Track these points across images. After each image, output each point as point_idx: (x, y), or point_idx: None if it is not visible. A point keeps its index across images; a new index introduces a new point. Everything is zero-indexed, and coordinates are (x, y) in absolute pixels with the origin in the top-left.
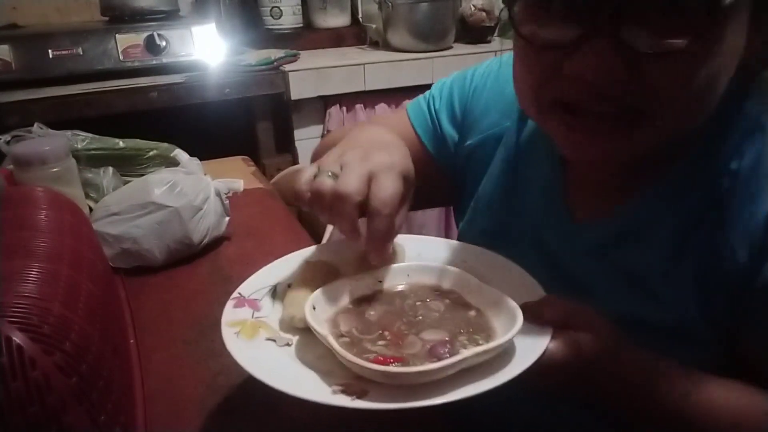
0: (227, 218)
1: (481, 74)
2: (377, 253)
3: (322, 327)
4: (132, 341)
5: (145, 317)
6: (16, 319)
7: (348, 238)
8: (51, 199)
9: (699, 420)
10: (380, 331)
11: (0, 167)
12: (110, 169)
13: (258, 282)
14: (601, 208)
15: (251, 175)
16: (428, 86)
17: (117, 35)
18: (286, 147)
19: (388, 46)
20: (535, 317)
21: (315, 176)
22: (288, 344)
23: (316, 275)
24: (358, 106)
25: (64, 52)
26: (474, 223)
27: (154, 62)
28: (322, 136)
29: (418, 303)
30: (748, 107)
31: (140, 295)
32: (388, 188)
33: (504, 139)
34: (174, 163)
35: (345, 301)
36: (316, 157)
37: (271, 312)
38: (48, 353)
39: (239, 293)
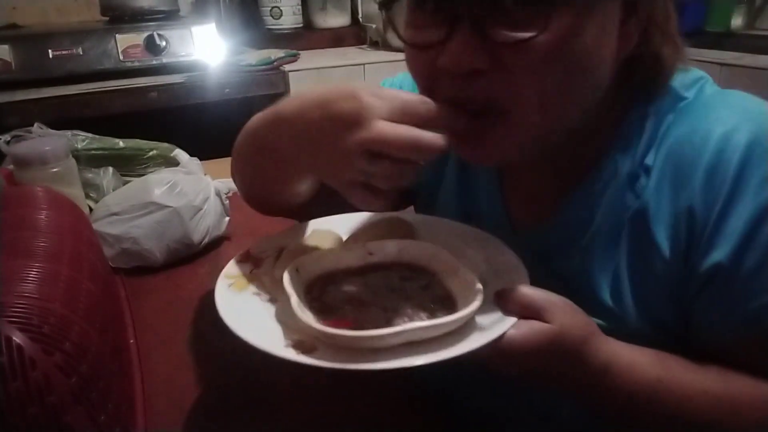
0: (227, 218)
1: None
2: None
3: (298, 288)
4: (132, 341)
5: (145, 317)
6: (16, 319)
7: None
8: (51, 199)
9: (675, 405)
10: (349, 299)
11: (0, 167)
12: (110, 169)
13: (269, 242)
14: (538, 215)
15: None
16: None
17: (117, 35)
18: None
19: (388, 46)
20: (505, 302)
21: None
22: (272, 301)
23: (319, 242)
24: None
25: (64, 52)
26: None
27: (154, 62)
28: None
29: (395, 280)
30: (655, 105)
31: (140, 295)
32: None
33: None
34: (174, 163)
35: (330, 268)
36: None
37: (270, 270)
38: (48, 353)
39: (248, 250)
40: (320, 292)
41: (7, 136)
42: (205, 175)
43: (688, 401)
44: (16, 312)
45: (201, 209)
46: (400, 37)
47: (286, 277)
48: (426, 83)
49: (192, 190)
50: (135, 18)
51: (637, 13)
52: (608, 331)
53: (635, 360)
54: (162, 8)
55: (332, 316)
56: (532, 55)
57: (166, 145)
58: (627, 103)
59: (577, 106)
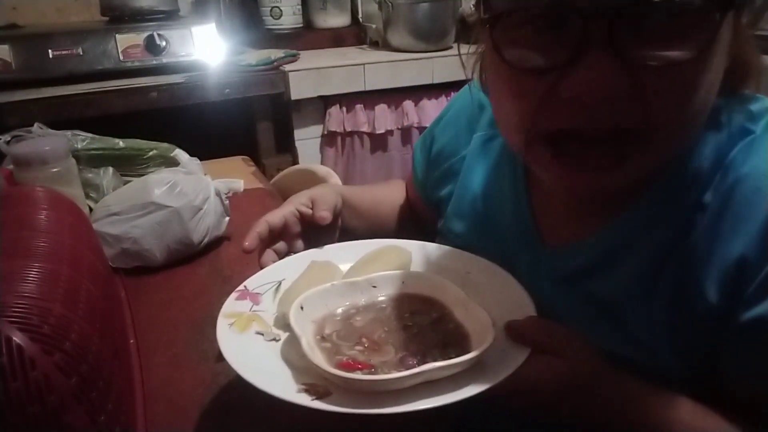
0: (227, 218)
1: (450, 106)
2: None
3: (305, 327)
4: (132, 341)
5: (145, 317)
6: (16, 319)
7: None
8: (51, 199)
9: None
10: (359, 338)
11: (0, 167)
12: (110, 169)
13: (265, 277)
14: (573, 235)
15: (251, 175)
16: (428, 86)
17: (117, 35)
18: (286, 147)
19: (388, 46)
20: (516, 336)
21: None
22: (276, 339)
23: (319, 275)
24: (358, 106)
25: (64, 52)
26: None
27: (154, 62)
28: (322, 136)
29: (405, 315)
30: (720, 136)
31: (140, 295)
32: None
33: (464, 167)
34: (174, 163)
35: (335, 304)
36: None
37: (270, 307)
38: (48, 353)
39: (244, 286)
40: (330, 332)
41: (7, 136)
42: (205, 175)
43: None
44: (16, 312)
45: (201, 209)
46: (506, 61)
47: (292, 317)
48: (532, 109)
49: (192, 190)
50: (135, 18)
51: (740, 25)
52: (634, 363)
53: (646, 400)
54: (162, 8)
55: (344, 357)
56: (679, 76)
57: (166, 145)
58: None
59: (699, 129)
